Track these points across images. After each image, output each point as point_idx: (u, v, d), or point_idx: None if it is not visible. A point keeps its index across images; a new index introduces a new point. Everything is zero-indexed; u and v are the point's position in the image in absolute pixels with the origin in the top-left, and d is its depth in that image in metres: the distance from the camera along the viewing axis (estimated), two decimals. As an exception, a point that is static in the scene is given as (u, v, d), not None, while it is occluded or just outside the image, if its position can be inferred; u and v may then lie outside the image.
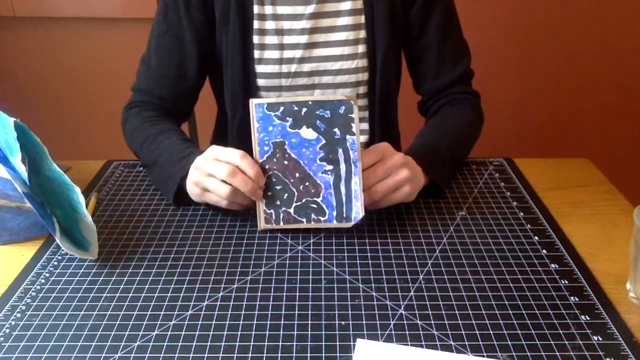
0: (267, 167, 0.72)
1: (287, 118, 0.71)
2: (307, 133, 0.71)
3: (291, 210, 0.73)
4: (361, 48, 0.93)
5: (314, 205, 0.73)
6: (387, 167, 0.73)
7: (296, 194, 0.73)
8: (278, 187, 0.73)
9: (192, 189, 0.76)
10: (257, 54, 0.92)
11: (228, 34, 0.91)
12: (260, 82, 0.93)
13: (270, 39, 0.91)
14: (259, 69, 0.92)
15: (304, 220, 0.73)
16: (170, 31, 0.91)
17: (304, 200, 0.73)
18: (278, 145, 0.72)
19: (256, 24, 0.91)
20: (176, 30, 0.91)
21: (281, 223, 0.74)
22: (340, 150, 0.71)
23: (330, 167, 0.72)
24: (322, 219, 0.73)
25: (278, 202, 0.73)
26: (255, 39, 0.91)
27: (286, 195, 0.73)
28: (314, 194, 0.72)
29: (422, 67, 0.98)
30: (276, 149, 0.72)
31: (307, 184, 0.72)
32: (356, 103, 0.69)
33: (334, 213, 0.72)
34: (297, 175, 0.72)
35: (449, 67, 0.96)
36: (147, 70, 0.94)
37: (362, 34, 0.92)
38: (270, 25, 0.91)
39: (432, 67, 0.96)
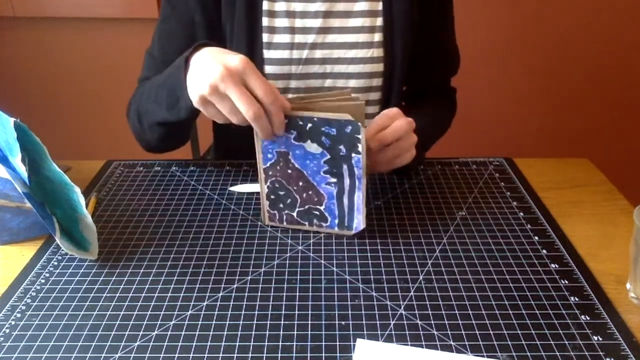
0: (270, 173, 0.72)
1: (292, 131, 0.68)
2: (312, 147, 0.69)
3: (294, 214, 0.74)
4: (377, 37, 0.89)
5: (317, 212, 0.73)
6: (405, 129, 0.73)
7: (299, 200, 0.73)
8: (281, 193, 0.73)
9: (197, 91, 0.65)
10: (266, 37, 0.86)
11: (234, 17, 0.86)
12: (269, 69, 0.88)
13: (281, 22, 0.86)
14: (268, 54, 0.87)
15: (307, 223, 0.74)
16: (176, 15, 0.87)
17: (306, 207, 0.73)
18: (282, 155, 0.70)
19: (265, 5, 0.85)
20: (182, 13, 0.86)
21: (284, 223, 0.74)
22: (345, 166, 0.69)
23: (334, 180, 0.70)
24: (324, 224, 0.73)
25: (281, 205, 0.73)
26: (265, 21, 0.86)
27: (289, 200, 0.73)
28: (316, 202, 0.72)
29: (423, 60, 0.96)
30: (280, 157, 0.70)
31: (310, 192, 0.72)
32: (363, 124, 0.66)
33: (336, 221, 0.73)
34: (300, 184, 0.72)
35: (446, 64, 0.99)
36: (150, 59, 0.91)
37: (379, 21, 0.88)
38: (280, 6, 0.86)
39: (432, 62, 0.97)
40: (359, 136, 0.66)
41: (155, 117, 0.81)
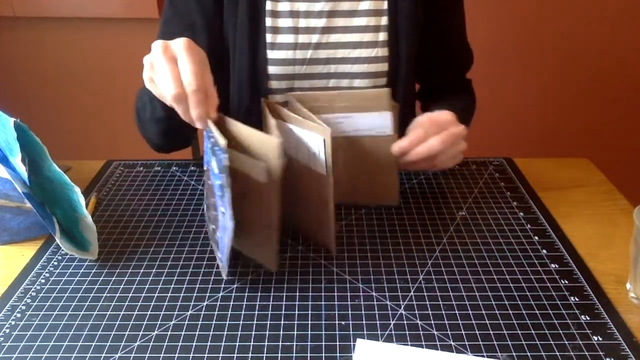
0: (204, 178, 0.67)
1: (210, 142, 0.62)
2: (214, 165, 0.61)
3: (211, 231, 0.69)
4: (382, 36, 0.88)
5: (217, 239, 0.66)
6: (458, 137, 0.75)
7: (210, 218, 0.68)
8: (207, 204, 0.68)
9: (145, 73, 0.66)
10: (269, 38, 0.85)
11: (236, 17, 0.85)
12: (272, 69, 0.87)
13: (284, 22, 0.85)
14: (272, 54, 0.86)
15: (215, 246, 0.68)
16: (177, 16, 0.87)
17: (212, 228, 0.67)
18: (207, 164, 0.67)
19: (268, 5, 0.84)
20: (183, 13, 0.86)
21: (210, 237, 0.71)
22: (221, 198, 0.60)
23: (223, 210, 0.60)
24: (219, 255, 0.66)
25: (209, 217, 0.69)
26: (268, 22, 0.85)
27: (210, 214, 0.68)
28: (218, 227, 0.64)
29: (436, 58, 0.96)
30: (206, 166, 0.67)
31: (215, 213, 0.64)
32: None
33: (221, 256, 0.64)
34: (211, 200, 0.65)
35: (460, 60, 0.99)
36: None
37: (384, 20, 0.88)
38: (284, 6, 0.85)
39: (446, 59, 0.97)
40: (222, 174, 0.57)
41: (146, 113, 0.82)
